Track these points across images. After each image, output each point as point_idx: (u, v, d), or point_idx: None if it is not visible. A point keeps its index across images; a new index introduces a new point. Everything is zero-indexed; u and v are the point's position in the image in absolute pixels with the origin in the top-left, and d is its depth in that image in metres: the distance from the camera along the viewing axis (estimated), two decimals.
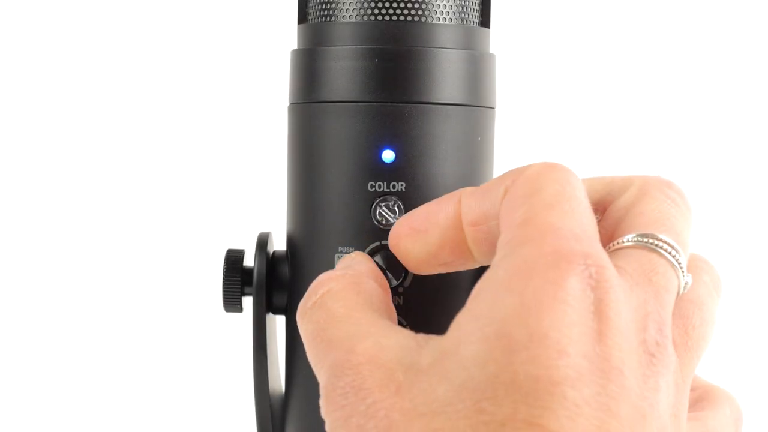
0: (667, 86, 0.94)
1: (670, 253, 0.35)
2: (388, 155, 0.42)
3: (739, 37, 0.94)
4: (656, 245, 0.35)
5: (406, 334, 0.35)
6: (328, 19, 0.43)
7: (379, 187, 0.42)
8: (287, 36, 0.47)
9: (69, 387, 0.91)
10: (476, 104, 0.43)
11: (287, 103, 0.46)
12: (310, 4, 0.45)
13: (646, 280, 0.34)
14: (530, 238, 0.33)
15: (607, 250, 0.35)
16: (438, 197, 0.40)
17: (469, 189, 0.38)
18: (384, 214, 0.42)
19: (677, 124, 0.94)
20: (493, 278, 0.33)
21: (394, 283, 0.42)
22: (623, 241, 0.36)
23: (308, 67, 0.44)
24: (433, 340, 0.34)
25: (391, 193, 0.42)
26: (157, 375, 0.91)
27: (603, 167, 0.94)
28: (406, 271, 0.42)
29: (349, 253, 0.43)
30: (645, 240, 0.36)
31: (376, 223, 0.42)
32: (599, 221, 0.38)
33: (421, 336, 0.34)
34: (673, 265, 0.35)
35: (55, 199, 0.92)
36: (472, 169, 0.44)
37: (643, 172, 0.39)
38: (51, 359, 0.91)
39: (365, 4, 0.42)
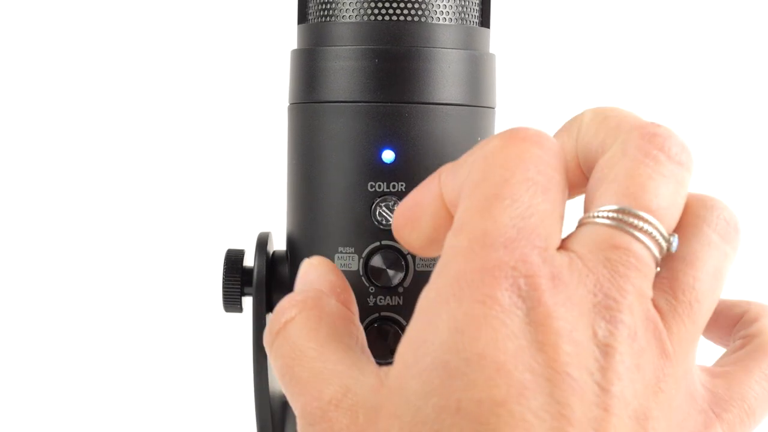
0: (666, 86, 0.94)
1: (635, 226, 0.33)
2: (388, 155, 0.42)
3: (739, 38, 0.94)
4: (620, 220, 0.33)
5: (370, 371, 0.35)
6: (328, 19, 0.43)
7: (379, 187, 0.42)
8: (287, 36, 0.47)
9: (69, 387, 0.91)
10: (476, 104, 0.43)
11: (287, 104, 0.46)
12: (310, 4, 0.45)
13: (600, 262, 0.33)
14: (460, 251, 0.33)
15: (579, 223, 0.35)
16: None
17: (449, 165, 0.37)
18: (384, 214, 0.42)
19: (675, 123, 0.94)
20: (427, 299, 0.33)
21: (396, 281, 0.42)
22: (589, 216, 0.34)
23: (308, 67, 0.44)
24: (389, 376, 0.34)
25: (391, 193, 0.42)
26: (158, 375, 0.91)
27: None
28: (407, 270, 0.42)
29: (349, 253, 0.43)
30: (609, 214, 0.34)
31: (376, 223, 0.42)
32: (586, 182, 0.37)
33: (383, 370, 0.35)
34: (638, 238, 0.33)
35: (55, 200, 0.92)
36: None
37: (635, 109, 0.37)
38: (51, 360, 0.91)
39: (365, 4, 0.42)
